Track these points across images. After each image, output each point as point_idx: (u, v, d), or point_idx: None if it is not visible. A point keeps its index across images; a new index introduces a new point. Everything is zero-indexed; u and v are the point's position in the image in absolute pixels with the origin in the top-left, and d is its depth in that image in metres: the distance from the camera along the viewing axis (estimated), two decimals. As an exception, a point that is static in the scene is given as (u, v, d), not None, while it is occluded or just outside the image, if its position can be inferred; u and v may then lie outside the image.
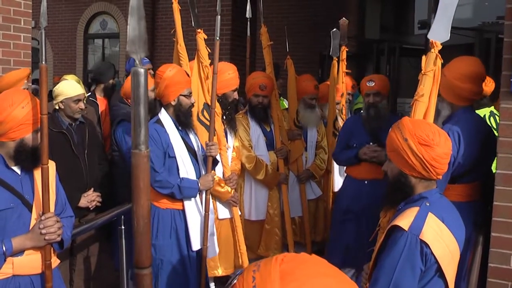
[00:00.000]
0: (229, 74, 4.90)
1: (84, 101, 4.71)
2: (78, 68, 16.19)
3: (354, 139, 5.01)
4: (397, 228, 2.47)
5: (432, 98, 3.03)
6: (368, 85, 4.93)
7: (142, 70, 1.42)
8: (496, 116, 4.97)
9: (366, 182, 4.92)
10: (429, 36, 3.01)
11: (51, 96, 4.69)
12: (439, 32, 2.98)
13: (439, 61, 3.00)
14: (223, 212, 4.79)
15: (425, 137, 2.51)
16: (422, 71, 3.02)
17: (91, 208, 4.55)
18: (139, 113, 1.40)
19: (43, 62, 2.84)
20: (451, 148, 2.59)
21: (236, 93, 5.02)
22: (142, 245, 1.53)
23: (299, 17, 13.26)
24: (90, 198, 4.54)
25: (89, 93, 6.38)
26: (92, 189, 4.60)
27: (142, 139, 1.43)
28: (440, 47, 2.98)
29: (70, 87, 4.63)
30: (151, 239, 4.09)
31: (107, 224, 4.36)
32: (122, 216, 4.17)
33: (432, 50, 2.99)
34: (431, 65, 2.98)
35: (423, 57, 3.02)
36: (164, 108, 4.22)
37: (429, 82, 3.00)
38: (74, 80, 5.65)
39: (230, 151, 4.94)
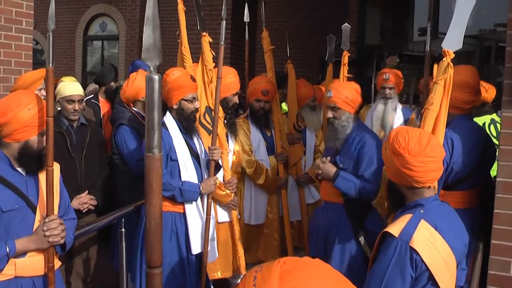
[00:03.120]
0: (230, 78, 4.91)
1: (84, 103, 4.71)
2: (77, 70, 16.20)
3: (326, 152, 4.56)
4: (388, 234, 2.50)
5: (443, 107, 3.06)
6: (326, 95, 4.33)
7: (156, 77, 1.46)
8: (498, 124, 4.97)
9: (323, 203, 4.39)
10: (442, 45, 3.04)
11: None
12: (453, 41, 3.00)
13: (451, 70, 3.02)
14: (223, 215, 4.80)
15: (397, 146, 2.58)
16: (434, 80, 3.05)
17: (83, 211, 4.53)
18: (153, 118, 1.45)
19: (50, 64, 2.84)
20: (436, 157, 2.60)
21: (236, 97, 5.04)
22: (154, 245, 1.55)
23: (299, 22, 13.30)
24: (82, 201, 4.52)
25: (92, 95, 6.39)
26: (87, 191, 4.59)
27: (156, 143, 1.48)
28: (452, 56, 3.01)
29: (65, 87, 4.65)
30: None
31: (107, 226, 4.37)
32: (123, 219, 4.18)
33: (444, 58, 3.02)
34: (442, 74, 3.01)
35: (435, 66, 3.06)
36: (169, 111, 4.23)
37: (440, 91, 3.03)
38: (71, 81, 5.65)
39: (230, 155, 4.95)
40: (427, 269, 2.41)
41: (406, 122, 5.82)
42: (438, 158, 2.59)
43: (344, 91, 4.14)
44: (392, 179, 2.69)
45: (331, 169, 4.11)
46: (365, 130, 4.26)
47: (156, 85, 1.46)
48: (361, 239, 3.95)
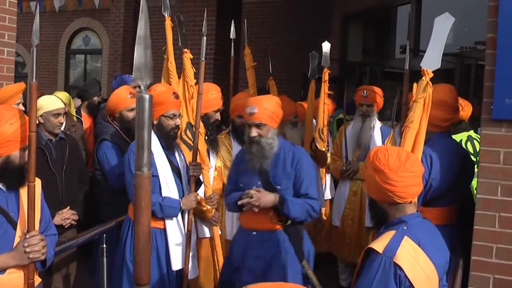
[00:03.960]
0: (212, 95, 4.91)
1: (75, 117, 4.69)
2: (60, 83, 16.17)
3: (242, 177, 4.05)
4: (372, 250, 2.53)
5: (423, 125, 3.13)
6: (247, 112, 3.84)
7: (147, 96, 1.49)
8: (475, 141, 5.03)
9: (254, 233, 3.94)
10: (421, 64, 3.11)
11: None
12: (431, 60, 3.07)
13: (430, 89, 3.09)
14: (204, 231, 4.78)
15: (377, 163, 2.61)
16: (413, 98, 3.11)
17: (66, 226, 4.49)
18: (142, 137, 1.48)
19: (34, 80, 2.83)
20: (416, 172, 2.63)
21: (218, 113, 5.03)
22: (142, 263, 1.56)
23: (282, 38, 13.40)
24: (64, 216, 4.47)
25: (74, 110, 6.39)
26: (68, 207, 4.56)
27: (145, 162, 1.50)
28: (431, 75, 3.08)
29: (49, 101, 4.63)
30: (131, 257, 4.10)
31: (88, 242, 4.34)
32: (104, 235, 4.15)
33: (424, 77, 3.09)
34: (421, 92, 3.07)
35: (414, 84, 3.12)
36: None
37: (420, 109, 3.10)
38: (65, 97, 5.64)
39: (212, 171, 4.94)
40: (411, 285, 2.43)
41: (386, 138, 5.73)
42: (418, 172, 2.64)
43: (268, 106, 3.83)
44: (374, 197, 2.72)
45: (272, 196, 3.71)
46: (289, 144, 3.99)
47: (147, 104, 1.50)
48: (304, 262, 3.82)
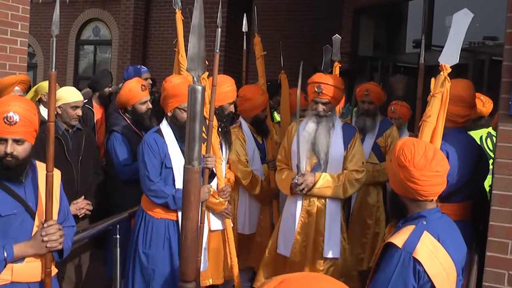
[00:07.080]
0: (227, 87, 4.89)
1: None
2: (69, 74, 16.17)
3: None
4: (392, 245, 2.53)
5: (440, 119, 3.11)
6: None
7: (199, 87, 1.44)
8: (494, 138, 4.98)
9: None
10: (439, 59, 3.10)
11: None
12: (449, 56, 3.05)
13: (448, 84, 3.08)
14: (216, 224, 4.78)
15: (402, 159, 2.59)
16: (431, 93, 3.10)
17: (80, 216, 4.51)
18: (194, 129, 1.43)
19: (53, 70, 2.84)
20: (440, 172, 2.61)
21: (232, 106, 5.02)
22: (188, 259, 1.53)
23: (293, 31, 13.37)
24: (79, 206, 4.50)
25: (86, 100, 6.40)
26: (83, 197, 4.58)
27: (196, 155, 1.45)
28: (449, 70, 3.07)
29: (68, 93, 4.65)
30: (144, 248, 4.12)
31: (100, 232, 4.35)
32: (118, 225, 4.16)
33: (441, 72, 3.07)
34: (439, 87, 3.06)
35: (432, 79, 3.11)
36: (165, 118, 4.23)
37: (437, 104, 3.09)
38: (44, 87, 5.62)
39: (224, 163, 4.94)
40: (430, 280, 2.44)
41: (349, 142, 4.66)
42: (443, 172, 2.61)
43: None
44: (396, 191, 2.71)
45: None
46: None
47: (199, 96, 1.45)
48: None
